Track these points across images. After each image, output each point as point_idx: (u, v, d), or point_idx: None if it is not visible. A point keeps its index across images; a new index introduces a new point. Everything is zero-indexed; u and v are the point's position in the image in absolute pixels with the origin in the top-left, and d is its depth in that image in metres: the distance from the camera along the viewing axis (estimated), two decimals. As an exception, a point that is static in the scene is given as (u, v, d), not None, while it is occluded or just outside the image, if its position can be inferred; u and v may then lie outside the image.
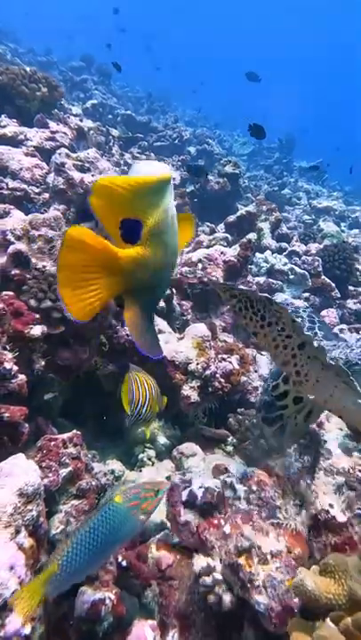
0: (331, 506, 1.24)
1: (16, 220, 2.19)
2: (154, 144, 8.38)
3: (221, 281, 3.13)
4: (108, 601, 1.49)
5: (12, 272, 2.01)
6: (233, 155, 11.32)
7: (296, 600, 1.32)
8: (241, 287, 1.44)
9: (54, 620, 1.53)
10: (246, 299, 1.43)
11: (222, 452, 2.54)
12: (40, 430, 2.15)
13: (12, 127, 3.67)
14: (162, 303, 2.82)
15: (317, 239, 5.57)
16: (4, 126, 3.64)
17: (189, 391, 2.45)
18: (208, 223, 5.40)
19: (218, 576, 1.48)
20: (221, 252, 3.22)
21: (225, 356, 2.67)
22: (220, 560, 1.50)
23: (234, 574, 1.42)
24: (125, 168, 5.93)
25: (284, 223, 5.77)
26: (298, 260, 4.60)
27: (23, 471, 1.44)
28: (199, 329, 2.65)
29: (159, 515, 2.03)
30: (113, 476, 2.28)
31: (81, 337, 2.13)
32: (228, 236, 4.41)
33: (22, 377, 1.86)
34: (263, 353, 3.33)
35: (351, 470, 1.35)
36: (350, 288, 4.75)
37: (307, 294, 4.26)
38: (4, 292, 1.94)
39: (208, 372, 2.49)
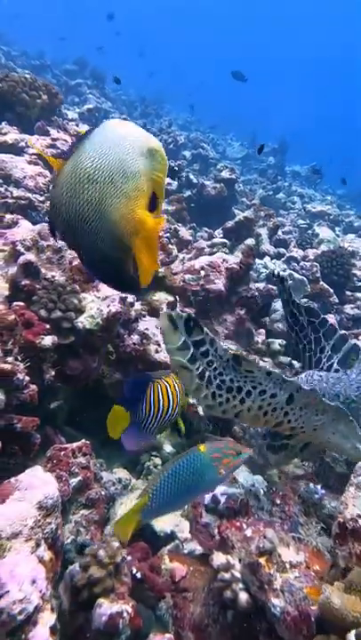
0: (359, 516, 1.25)
1: (24, 230, 2.20)
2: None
3: (223, 288, 3.15)
4: (125, 614, 1.48)
5: (23, 282, 2.01)
6: (227, 158, 11.36)
7: (314, 608, 1.32)
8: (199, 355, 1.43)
9: (71, 632, 1.53)
10: (212, 372, 1.43)
11: (228, 460, 2.54)
12: (48, 439, 2.15)
13: (12, 134, 3.67)
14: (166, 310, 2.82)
15: (314, 244, 5.61)
16: (5, 133, 3.64)
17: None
18: (206, 228, 5.43)
19: (236, 574, 1.48)
20: (224, 260, 3.24)
21: (230, 364, 2.68)
22: (240, 560, 1.50)
23: (252, 574, 1.41)
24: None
25: (280, 228, 5.80)
26: (296, 265, 4.63)
27: (42, 483, 1.44)
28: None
29: (168, 525, 2.04)
30: (121, 485, 2.29)
31: (90, 346, 2.14)
32: (227, 241, 4.43)
33: (34, 387, 1.86)
34: (266, 359, 3.35)
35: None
36: (348, 293, 4.79)
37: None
38: (15, 303, 1.94)
39: (215, 381, 2.49)
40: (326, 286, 4.45)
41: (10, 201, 2.81)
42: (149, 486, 1.31)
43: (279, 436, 1.94)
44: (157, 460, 2.48)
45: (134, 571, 1.67)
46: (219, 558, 1.54)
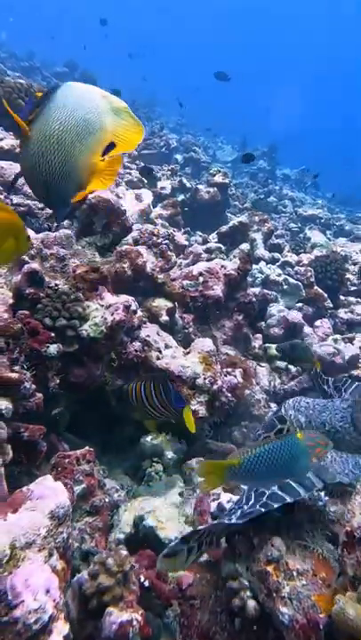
0: (366, 525, 1.27)
1: (27, 237, 2.20)
2: (142, 152, 8.40)
3: (221, 294, 3.17)
4: (135, 622, 1.49)
5: (27, 291, 2.02)
6: (217, 162, 11.40)
7: (322, 616, 1.34)
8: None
9: (80, 640, 1.53)
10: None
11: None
12: (52, 447, 2.15)
13: (8, 140, 3.67)
14: (165, 317, 2.84)
15: (307, 249, 5.66)
16: (1, 139, 3.63)
17: (197, 406, 2.47)
18: (200, 233, 5.46)
19: (244, 582, 1.50)
20: (222, 266, 3.26)
21: (229, 370, 2.71)
22: (247, 568, 1.52)
23: (260, 582, 1.43)
24: (117, 178, 5.94)
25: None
26: (291, 270, 4.67)
27: (53, 493, 1.45)
28: (205, 343, 2.68)
29: (173, 532, 2.05)
30: (124, 492, 2.30)
31: (94, 354, 2.15)
32: (222, 246, 4.46)
33: (39, 395, 1.87)
34: (263, 364, 3.38)
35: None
36: (341, 298, 4.84)
37: (300, 304, 4.32)
38: (20, 312, 1.95)
39: (215, 387, 2.52)
40: (321, 291, 4.49)
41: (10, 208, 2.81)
42: (243, 452, 1.35)
43: None
44: (159, 467, 2.49)
45: (142, 579, 1.69)
46: (227, 566, 1.56)
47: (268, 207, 8.71)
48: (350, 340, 4.06)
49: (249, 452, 1.35)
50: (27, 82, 4.52)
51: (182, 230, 5.40)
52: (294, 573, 1.44)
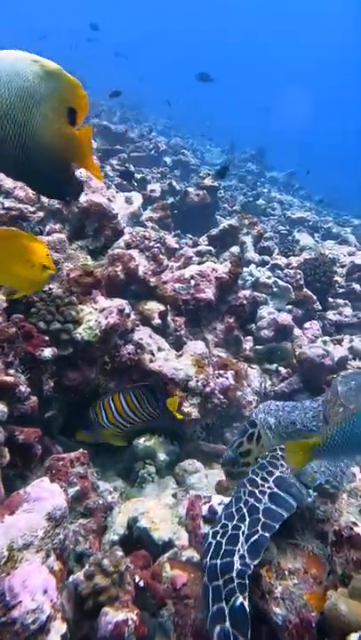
0: (355, 524, 1.30)
1: (21, 241, 2.21)
2: (131, 154, 8.43)
3: (212, 297, 3.20)
4: (130, 622, 1.51)
5: (21, 295, 2.03)
6: (206, 164, 11.45)
7: (314, 614, 1.37)
8: None
9: (76, 641, 1.55)
10: None
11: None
12: (46, 449, 2.16)
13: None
14: (158, 320, 2.86)
15: (296, 251, 5.71)
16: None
17: (190, 408, 2.50)
18: (190, 235, 5.49)
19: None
20: (213, 269, 3.29)
21: (221, 372, 2.73)
22: None
23: (253, 584, 1.45)
24: (106, 180, 5.96)
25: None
26: (280, 272, 4.71)
27: (51, 495, 1.47)
28: (198, 346, 2.71)
29: (165, 532, 2.07)
30: (117, 494, 2.31)
31: (89, 357, 2.17)
32: (212, 248, 4.50)
33: (34, 398, 1.88)
34: (253, 366, 3.41)
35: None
36: (330, 300, 4.89)
37: (290, 307, 4.36)
38: (15, 315, 1.96)
39: (208, 389, 2.55)
40: (310, 293, 4.54)
41: (1, 212, 2.83)
42: (325, 431, 1.41)
43: (238, 463, 2.04)
44: (152, 469, 2.51)
45: (137, 579, 1.70)
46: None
47: (257, 210, 8.77)
48: (339, 342, 4.11)
49: (329, 430, 1.40)
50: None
51: (172, 233, 5.43)
52: (286, 573, 1.47)
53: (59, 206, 2.84)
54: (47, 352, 1.96)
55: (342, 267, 5.69)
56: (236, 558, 1.42)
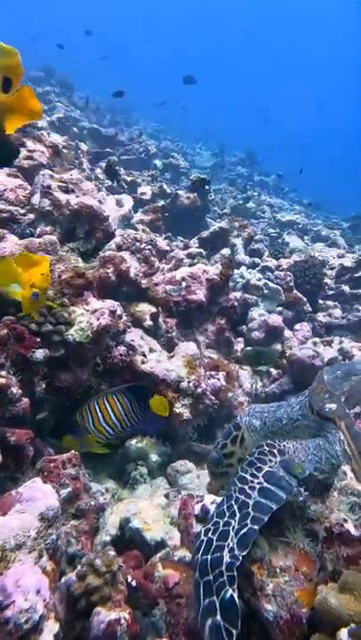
0: (345, 520, 1.31)
1: (11, 244, 2.23)
2: (121, 157, 8.45)
3: (203, 298, 3.22)
4: (123, 621, 1.52)
5: (13, 296, 2.03)
6: (196, 167, 11.50)
7: (304, 610, 1.38)
8: None
9: (69, 641, 1.55)
10: None
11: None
12: (38, 451, 2.16)
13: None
14: (149, 321, 2.88)
15: (286, 254, 5.74)
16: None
17: (182, 409, 2.51)
18: (181, 238, 5.51)
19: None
20: (204, 271, 3.31)
21: (213, 373, 2.75)
22: None
23: (245, 581, 1.47)
24: (97, 183, 5.97)
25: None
26: (271, 275, 4.74)
27: (43, 495, 1.47)
28: (189, 347, 2.72)
29: (158, 532, 2.07)
30: (110, 495, 2.32)
31: (80, 359, 2.17)
32: (203, 251, 4.51)
33: (26, 400, 1.88)
34: (245, 367, 3.43)
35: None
36: (320, 302, 4.94)
37: (280, 308, 4.39)
38: (6, 317, 1.96)
39: (199, 390, 2.56)
40: (300, 295, 4.57)
41: (-8, 214, 2.83)
42: None
43: (221, 464, 2.06)
44: (144, 470, 2.52)
45: (129, 579, 1.71)
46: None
47: (247, 213, 8.81)
48: (329, 343, 4.14)
49: None
50: None
51: (163, 235, 5.44)
52: (277, 570, 1.48)
53: (49, 209, 2.84)
54: (39, 353, 1.96)
55: (332, 269, 5.74)
56: (225, 552, 1.43)
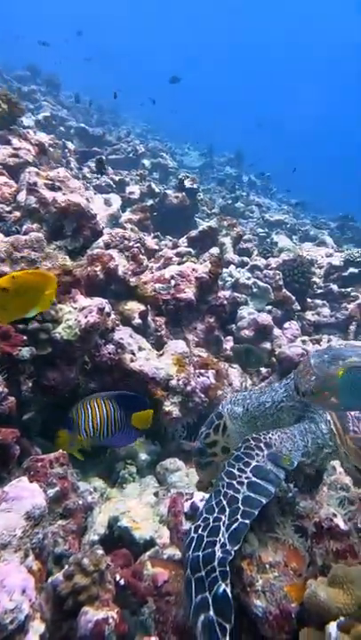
0: (334, 515, 1.31)
1: (-3, 240, 2.19)
2: (109, 157, 8.42)
3: (193, 297, 3.21)
4: (110, 620, 1.50)
5: (-2, 294, 2.00)
6: (184, 167, 11.49)
7: (294, 605, 1.37)
8: None
9: (56, 642, 1.53)
10: None
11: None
12: (25, 450, 2.14)
13: None
14: (138, 319, 2.86)
15: (275, 253, 5.75)
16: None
17: (171, 407, 2.50)
18: (169, 237, 5.50)
19: None
20: (193, 269, 3.30)
21: (202, 371, 2.74)
22: None
23: (235, 577, 1.46)
24: (84, 182, 5.93)
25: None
26: (260, 273, 4.73)
27: (30, 494, 1.45)
28: (179, 345, 2.71)
29: (147, 531, 2.06)
30: (98, 494, 2.30)
31: (68, 357, 2.15)
32: (192, 250, 4.51)
33: (12, 399, 1.86)
34: (234, 366, 3.43)
35: (353, 486, 1.44)
36: (308, 300, 4.94)
37: (269, 307, 4.39)
38: (-9, 315, 1.94)
39: (189, 388, 2.55)
40: (289, 294, 4.58)
41: (-22, 212, 2.80)
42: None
43: (205, 454, 2.05)
44: (132, 468, 2.50)
45: (118, 577, 1.69)
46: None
47: (236, 213, 8.82)
48: (318, 342, 4.15)
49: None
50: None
51: (152, 235, 5.43)
52: (267, 566, 1.47)
53: (35, 206, 2.81)
54: (25, 351, 1.94)
55: (320, 268, 5.75)
56: (217, 548, 1.42)
